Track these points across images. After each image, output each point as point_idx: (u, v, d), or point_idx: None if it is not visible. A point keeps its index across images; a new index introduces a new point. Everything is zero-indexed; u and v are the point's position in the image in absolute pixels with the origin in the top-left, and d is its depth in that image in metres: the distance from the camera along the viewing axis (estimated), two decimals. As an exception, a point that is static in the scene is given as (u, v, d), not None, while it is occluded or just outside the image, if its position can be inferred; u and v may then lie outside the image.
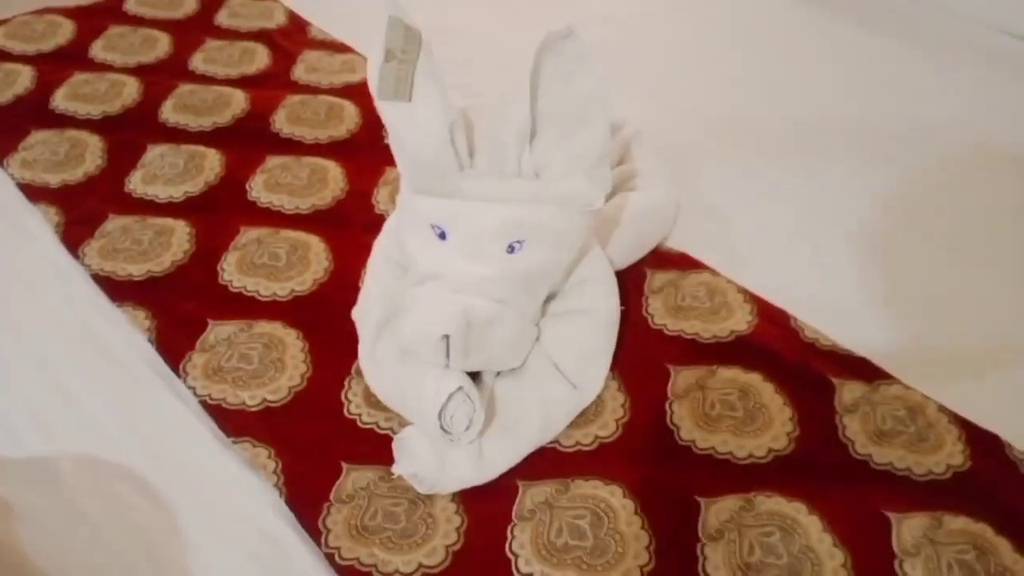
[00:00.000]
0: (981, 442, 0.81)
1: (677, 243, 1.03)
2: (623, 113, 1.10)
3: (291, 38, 1.41)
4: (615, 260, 0.95)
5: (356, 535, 0.73)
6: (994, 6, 1.48)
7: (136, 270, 0.96)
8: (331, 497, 0.76)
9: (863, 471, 0.78)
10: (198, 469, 0.80)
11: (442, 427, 0.75)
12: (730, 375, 0.87)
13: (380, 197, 1.08)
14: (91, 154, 1.13)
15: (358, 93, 1.26)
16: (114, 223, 1.03)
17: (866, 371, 0.87)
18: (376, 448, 0.80)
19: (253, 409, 0.83)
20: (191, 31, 1.41)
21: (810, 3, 1.54)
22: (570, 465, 0.79)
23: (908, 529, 0.74)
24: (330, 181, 1.10)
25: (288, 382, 0.85)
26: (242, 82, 1.29)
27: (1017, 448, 0.80)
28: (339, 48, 1.38)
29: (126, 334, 0.90)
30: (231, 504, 0.77)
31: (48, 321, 0.91)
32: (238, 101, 1.24)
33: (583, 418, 0.83)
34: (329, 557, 0.72)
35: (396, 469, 0.76)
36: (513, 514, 0.74)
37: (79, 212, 1.04)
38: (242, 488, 0.78)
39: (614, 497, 0.76)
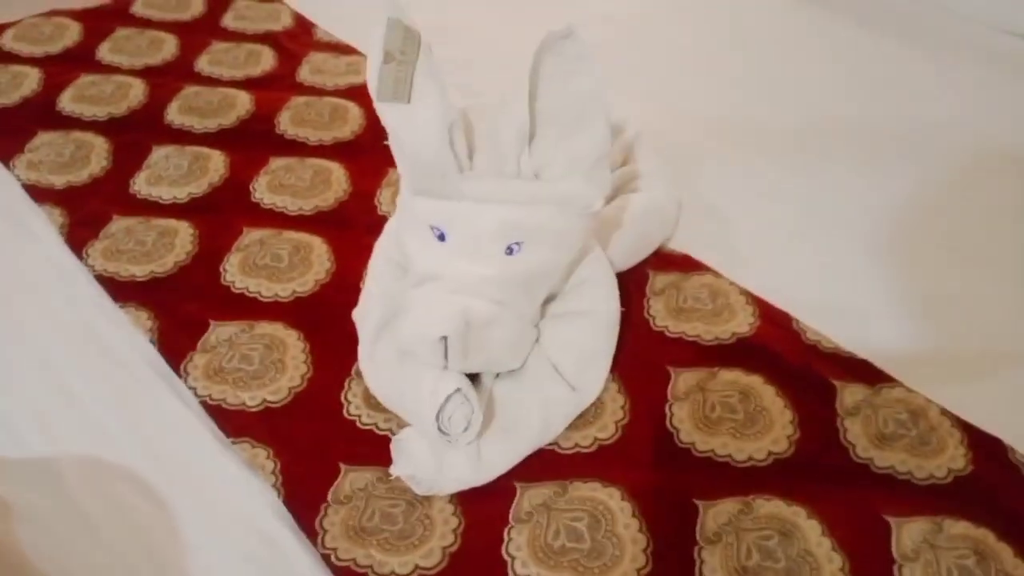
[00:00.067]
0: (984, 446, 0.80)
1: (678, 243, 1.03)
2: (624, 114, 1.09)
3: (297, 40, 1.41)
4: (616, 261, 0.94)
5: (353, 536, 0.73)
6: (994, 6, 1.48)
7: (139, 271, 0.97)
8: (329, 498, 0.76)
9: (864, 475, 0.78)
10: (198, 469, 0.80)
11: (440, 428, 0.75)
12: (731, 377, 0.86)
13: (383, 198, 1.09)
14: (96, 156, 1.14)
15: (362, 95, 1.26)
16: (118, 224, 1.03)
17: (868, 374, 0.87)
18: (375, 449, 0.80)
19: (253, 410, 0.83)
20: (197, 33, 1.41)
21: (810, 3, 1.53)
22: (568, 467, 0.79)
23: (908, 533, 0.73)
24: (333, 182, 1.11)
25: (288, 383, 0.85)
26: (247, 84, 1.30)
27: (1020, 452, 0.80)
28: (344, 50, 1.39)
29: (128, 335, 0.91)
30: (230, 504, 0.77)
31: (51, 322, 0.92)
32: (243, 103, 1.24)
33: (582, 420, 0.82)
34: (326, 558, 0.72)
35: (394, 470, 0.76)
36: (510, 516, 0.74)
37: (83, 213, 1.05)
38: (241, 488, 0.78)
39: (612, 499, 0.75)
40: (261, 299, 0.94)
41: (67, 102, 1.23)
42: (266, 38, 1.41)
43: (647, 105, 1.23)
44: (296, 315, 0.93)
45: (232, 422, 0.82)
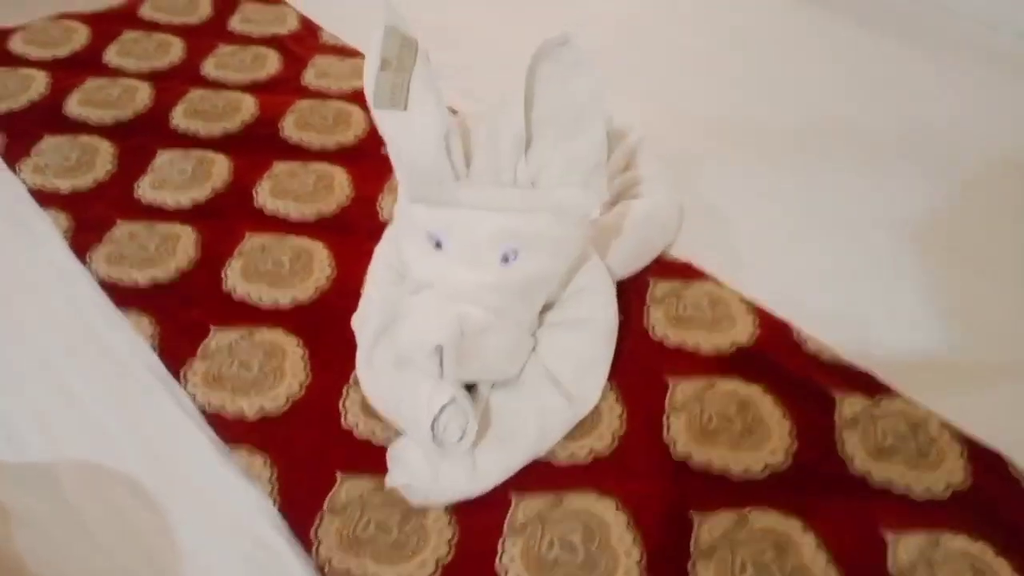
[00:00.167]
0: (983, 459, 0.79)
1: (679, 245, 1.03)
2: (626, 116, 1.09)
3: (302, 43, 1.42)
4: (617, 269, 0.94)
5: (348, 546, 0.73)
6: (995, 5, 1.46)
7: (141, 276, 0.97)
8: (324, 507, 0.76)
9: (861, 488, 0.77)
10: (196, 476, 0.80)
11: (434, 438, 0.75)
12: (730, 388, 0.86)
13: (385, 204, 1.09)
14: (102, 160, 1.14)
15: (366, 98, 1.26)
16: (122, 229, 1.04)
17: (868, 385, 0.86)
18: (372, 458, 0.80)
19: (251, 417, 0.83)
20: (204, 36, 1.42)
21: (810, 4, 1.53)
22: (564, 478, 0.78)
23: (905, 548, 0.73)
24: (336, 188, 1.11)
25: (287, 390, 0.86)
26: (252, 87, 1.30)
27: (1021, 466, 0.79)
28: (349, 53, 1.39)
29: (129, 340, 0.91)
30: (227, 511, 0.77)
31: (53, 326, 0.93)
32: (248, 107, 1.25)
33: (579, 430, 0.82)
34: (320, 568, 0.72)
35: (389, 480, 0.76)
36: (505, 527, 0.74)
37: (88, 218, 1.05)
38: (238, 496, 0.78)
39: (607, 511, 0.75)
40: (261, 305, 0.95)
41: (74, 106, 1.23)
42: (272, 41, 1.41)
43: (648, 107, 1.23)
44: (296, 322, 0.93)
45: (230, 429, 0.83)
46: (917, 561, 0.71)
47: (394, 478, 0.76)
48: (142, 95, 1.26)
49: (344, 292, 0.96)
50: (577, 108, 0.75)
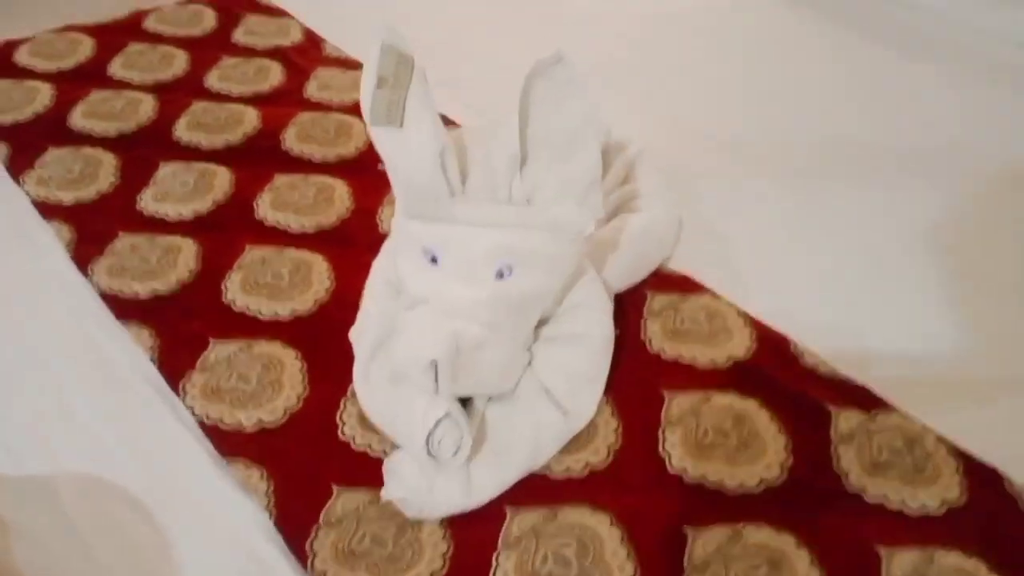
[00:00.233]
0: (979, 475, 0.79)
1: (679, 262, 1.03)
2: (626, 129, 1.10)
3: (306, 55, 1.43)
4: (614, 283, 0.95)
5: (343, 559, 0.73)
6: (1005, 19, 1.46)
7: (142, 288, 0.98)
8: (320, 520, 0.76)
9: (856, 503, 0.77)
10: (194, 489, 0.81)
11: (429, 452, 0.75)
12: (725, 402, 0.86)
13: (384, 216, 1.09)
14: (105, 172, 1.15)
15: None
16: (123, 241, 1.04)
17: (865, 399, 0.86)
18: (368, 471, 0.80)
19: (249, 430, 0.84)
20: (208, 48, 1.43)
21: (813, 18, 1.53)
22: (559, 491, 0.79)
23: (899, 564, 0.72)
24: (336, 200, 1.12)
25: (285, 403, 0.86)
26: (255, 100, 1.31)
27: (1017, 482, 0.79)
28: (352, 65, 1.39)
29: (129, 352, 0.92)
30: (224, 525, 0.78)
31: (53, 337, 0.93)
32: (250, 119, 1.26)
33: (575, 444, 0.82)
34: (315, 581, 0.72)
35: (385, 493, 0.77)
36: (499, 541, 0.74)
37: (90, 230, 1.06)
38: (235, 509, 0.78)
39: (601, 526, 0.75)
40: (261, 318, 0.95)
41: (78, 118, 1.25)
42: (275, 53, 1.43)
43: (649, 120, 1.24)
44: (295, 334, 0.93)
45: (228, 442, 0.83)
46: (910, 577, 0.71)
47: (390, 491, 0.77)
48: (146, 107, 1.27)
49: (343, 304, 0.96)
50: (570, 130, 0.76)
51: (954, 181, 1.16)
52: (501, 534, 0.75)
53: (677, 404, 0.86)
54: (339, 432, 0.84)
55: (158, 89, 1.32)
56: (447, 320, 0.76)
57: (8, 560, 0.73)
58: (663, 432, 0.83)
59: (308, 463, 0.81)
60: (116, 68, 1.37)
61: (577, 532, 0.75)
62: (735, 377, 0.89)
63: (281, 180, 1.14)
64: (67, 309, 0.97)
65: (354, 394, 0.86)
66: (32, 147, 1.19)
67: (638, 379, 0.89)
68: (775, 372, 0.89)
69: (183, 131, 1.23)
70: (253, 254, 1.03)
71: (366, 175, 1.15)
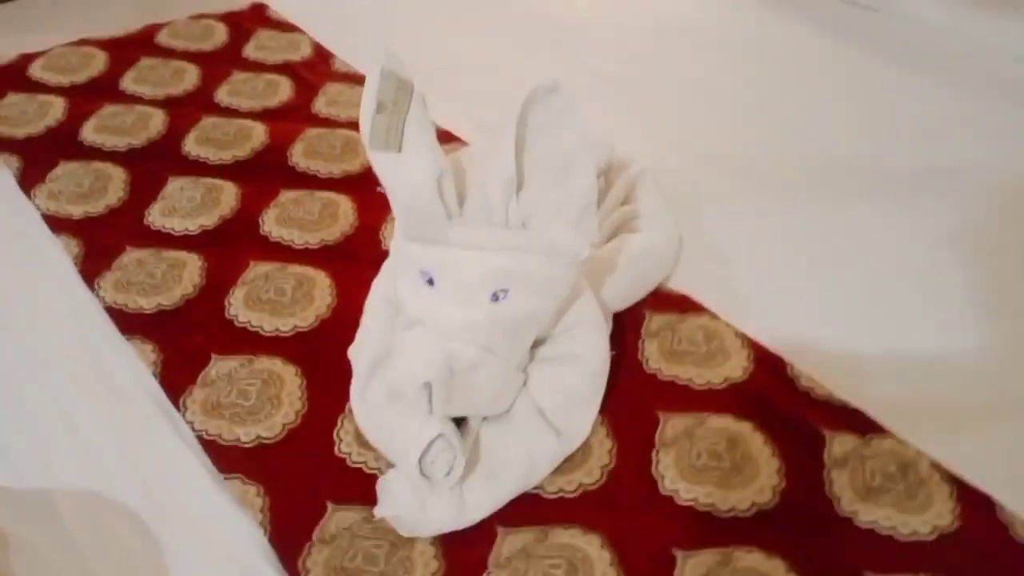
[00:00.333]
0: (972, 501, 0.79)
1: (679, 283, 1.03)
2: (629, 148, 1.10)
3: (315, 70, 1.44)
4: (613, 303, 0.95)
5: (335, 577, 0.74)
6: (1015, 37, 1.46)
7: (147, 303, 1.00)
8: (314, 537, 0.77)
9: (847, 529, 0.77)
10: (191, 504, 0.82)
11: (422, 472, 0.76)
12: (720, 424, 0.86)
13: (387, 233, 1.10)
14: (114, 187, 1.17)
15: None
16: (130, 256, 1.06)
17: (860, 424, 0.86)
18: (362, 488, 0.81)
19: (247, 446, 0.85)
20: (219, 63, 1.45)
21: (820, 37, 1.53)
22: (551, 512, 0.79)
23: (888, 591, 0.73)
24: (340, 216, 1.13)
25: (283, 419, 0.87)
26: (264, 115, 1.33)
27: (1009, 509, 0.79)
28: (361, 80, 1.40)
29: (132, 367, 0.93)
30: (219, 540, 0.79)
31: (58, 351, 0.95)
32: (258, 134, 1.27)
33: (569, 464, 0.83)
34: (307, 598, 0.73)
35: (378, 511, 0.78)
36: (490, 561, 0.75)
37: (98, 244, 1.08)
38: (230, 524, 0.80)
39: (591, 547, 0.76)
40: (262, 333, 0.96)
41: (89, 132, 1.27)
42: (285, 68, 1.44)
43: (652, 139, 1.24)
44: (296, 350, 0.95)
45: (226, 458, 0.84)
46: (899, 605, 0.72)
47: (383, 509, 0.78)
48: (156, 122, 1.29)
49: (344, 321, 0.97)
50: (567, 154, 0.77)
51: (956, 202, 1.16)
52: (492, 554, 0.76)
53: (671, 426, 0.86)
54: (336, 449, 0.85)
55: (168, 103, 1.34)
56: (442, 342, 0.77)
57: (7, 573, 0.74)
58: (657, 454, 0.84)
59: (304, 480, 0.82)
60: (128, 82, 1.39)
61: (567, 553, 0.75)
62: (731, 399, 0.89)
63: (287, 196, 1.16)
64: (72, 323, 0.98)
65: (352, 411, 0.87)
66: (44, 161, 1.21)
67: (634, 399, 0.89)
68: (771, 394, 0.89)
69: (192, 146, 1.25)
70: (257, 270, 1.04)
71: (371, 191, 1.16)
